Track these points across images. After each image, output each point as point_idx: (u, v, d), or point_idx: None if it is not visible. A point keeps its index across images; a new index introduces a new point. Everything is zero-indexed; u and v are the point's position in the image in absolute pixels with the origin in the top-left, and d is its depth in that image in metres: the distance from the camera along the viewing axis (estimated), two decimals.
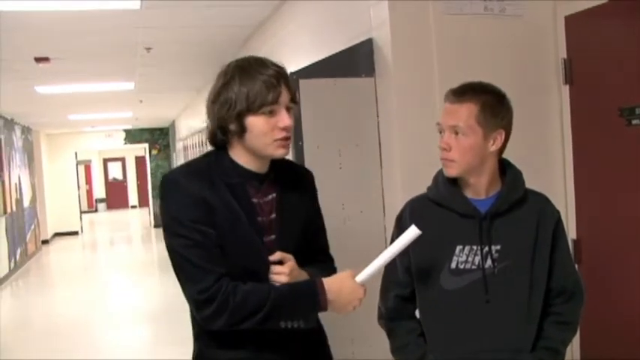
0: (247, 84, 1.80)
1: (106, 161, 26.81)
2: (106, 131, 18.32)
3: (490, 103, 1.95)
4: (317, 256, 2.06)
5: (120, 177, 27.14)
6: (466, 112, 1.93)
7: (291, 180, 2.01)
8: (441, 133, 1.99)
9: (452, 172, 1.98)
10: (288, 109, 1.86)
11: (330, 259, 2.14)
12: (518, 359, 1.95)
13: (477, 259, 1.96)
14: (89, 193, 25.88)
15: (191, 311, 1.92)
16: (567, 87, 3.15)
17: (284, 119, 1.84)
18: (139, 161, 24.42)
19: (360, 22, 3.35)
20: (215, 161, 1.90)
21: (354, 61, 3.22)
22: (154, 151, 18.76)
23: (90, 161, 25.72)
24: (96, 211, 25.96)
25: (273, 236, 1.91)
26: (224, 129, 1.86)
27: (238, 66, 1.85)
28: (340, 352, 3.01)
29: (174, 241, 1.82)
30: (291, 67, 3.27)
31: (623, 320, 2.89)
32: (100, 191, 26.81)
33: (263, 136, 1.83)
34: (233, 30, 5.98)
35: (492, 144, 1.96)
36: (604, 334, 2.92)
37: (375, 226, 3.19)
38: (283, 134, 1.85)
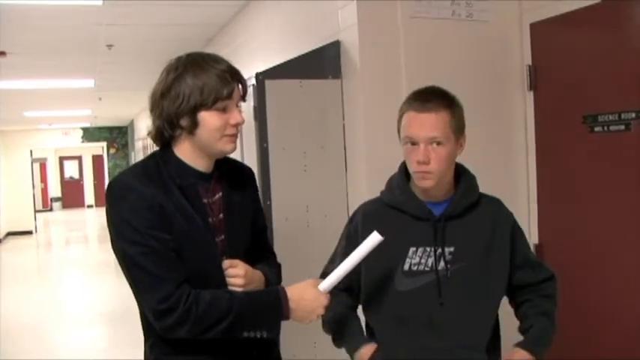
0: (201, 77, 1.75)
1: (62, 159, 26.31)
2: (63, 129, 18.00)
3: (454, 107, 1.93)
4: (261, 253, 2.04)
5: (76, 176, 26.66)
6: (442, 121, 1.89)
7: (234, 178, 1.97)
8: (412, 144, 1.93)
9: (429, 183, 1.93)
10: (237, 106, 1.83)
11: (274, 255, 2.13)
12: (472, 358, 1.93)
13: (430, 260, 1.94)
14: (44, 191, 25.37)
15: (143, 320, 1.86)
16: (532, 93, 3.18)
17: (236, 116, 1.81)
18: (97, 160, 24.04)
19: (327, 24, 3.33)
20: (163, 162, 1.83)
21: (321, 63, 3.20)
22: (112, 150, 18.52)
23: (45, 159, 25.21)
24: (51, 210, 25.46)
25: (222, 236, 1.87)
26: (173, 124, 1.79)
27: (190, 60, 1.79)
28: (303, 354, 3.00)
29: (128, 249, 1.73)
30: (256, 68, 3.25)
31: (585, 323, 2.92)
32: (55, 190, 26.30)
33: (215, 131, 1.79)
34: (197, 29, 5.91)
35: (460, 148, 1.97)
36: (566, 338, 2.94)
37: (339, 230, 3.14)
38: (233, 130, 1.83)
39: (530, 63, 3.21)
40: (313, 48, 3.28)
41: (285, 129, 3.10)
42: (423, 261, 1.94)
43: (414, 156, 1.91)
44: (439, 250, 1.94)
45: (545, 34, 3.15)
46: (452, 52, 3.18)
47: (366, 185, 3.06)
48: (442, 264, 1.93)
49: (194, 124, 1.77)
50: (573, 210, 2.99)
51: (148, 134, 1.90)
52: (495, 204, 2.05)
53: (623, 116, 2.75)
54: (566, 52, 3.04)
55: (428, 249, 1.94)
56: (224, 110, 1.78)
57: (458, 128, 1.93)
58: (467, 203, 1.97)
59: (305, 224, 3.13)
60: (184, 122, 1.78)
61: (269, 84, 3.06)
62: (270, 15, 4.52)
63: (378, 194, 3.03)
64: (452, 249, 1.93)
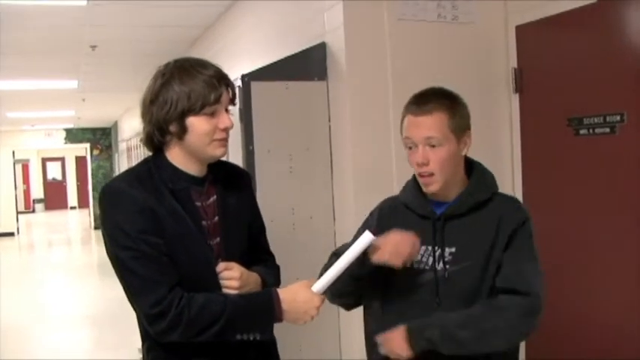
0: (188, 83, 1.76)
1: (44, 160, 26.11)
2: (46, 130, 17.83)
3: (454, 106, 1.91)
4: (260, 255, 2.05)
5: (59, 177, 26.47)
6: (438, 122, 1.87)
7: (229, 181, 1.97)
8: (410, 148, 1.93)
9: (434, 187, 1.91)
10: (226, 110, 1.84)
11: (272, 257, 2.12)
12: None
13: (430, 260, 1.93)
14: (26, 193, 25.15)
15: (140, 324, 1.86)
16: (517, 96, 3.19)
17: (225, 120, 1.82)
18: (80, 161, 23.84)
19: (313, 26, 3.32)
20: (155, 167, 1.85)
21: (307, 65, 3.19)
22: (96, 152, 18.37)
23: (28, 160, 25.01)
24: (33, 211, 25.25)
25: (217, 239, 1.88)
26: (163, 130, 1.80)
27: (178, 66, 1.80)
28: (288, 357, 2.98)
29: (120, 254, 1.74)
30: (242, 70, 3.23)
31: (569, 324, 2.93)
32: (38, 191, 26.09)
33: (204, 136, 1.80)
34: (181, 30, 5.88)
35: (464, 147, 1.94)
36: (547, 338, 2.95)
37: (325, 232, 3.17)
38: (223, 135, 1.83)
39: (515, 65, 3.22)
40: (299, 50, 3.28)
41: (271, 131, 3.08)
42: (424, 260, 1.93)
43: (414, 158, 1.91)
44: (438, 251, 1.92)
45: (531, 37, 3.16)
46: (438, 54, 3.18)
47: (353, 187, 3.06)
48: (441, 264, 1.91)
49: (183, 130, 1.78)
50: (559, 213, 3.00)
51: (140, 140, 1.92)
52: (508, 203, 1.96)
53: (608, 119, 2.76)
54: (551, 55, 3.05)
55: (429, 248, 1.93)
56: (212, 115, 1.79)
57: (458, 127, 1.90)
58: (473, 202, 1.92)
59: (291, 226, 3.12)
60: (173, 128, 1.79)
61: (255, 86, 3.05)
62: (255, 16, 4.50)
63: (364, 196, 3.04)
64: (453, 249, 1.90)
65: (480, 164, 2.01)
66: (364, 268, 1.89)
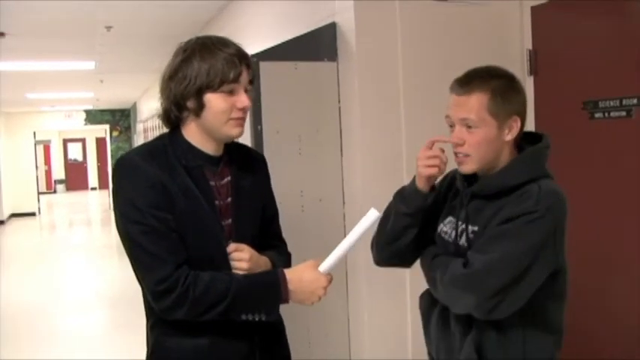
0: (208, 60, 1.75)
1: (65, 142, 26.33)
2: (66, 111, 17.95)
3: (500, 90, 1.81)
4: (272, 241, 2.03)
5: (80, 158, 26.68)
6: (476, 103, 1.79)
7: (245, 163, 1.96)
8: (451, 127, 1.87)
9: (467, 168, 1.85)
10: (246, 90, 1.81)
11: (284, 244, 2.10)
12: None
13: (453, 233, 1.90)
14: (48, 173, 25.41)
15: (145, 301, 1.86)
16: (532, 78, 3.12)
17: (243, 99, 1.80)
18: (100, 143, 24.02)
19: (323, 6, 3.27)
20: (170, 143, 1.84)
21: (317, 45, 3.14)
22: (115, 133, 18.48)
23: (49, 141, 25.23)
24: (54, 192, 25.51)
25: (229, 220, 1.86)
26: (180, 106, 1.80)
27: (199, 43, 1.79)
28: (296, 343, 2.97)
29: (129, 228, 1.74)
30: (253, 50, 3.19)
31: (584, 317, 2.88)
32: (59, 172, 26.34)
33: (221, 114, 1.78)
34: (195, 10, 5.84)
35: (508, 133, 1.82)
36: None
37: (334, 214, 3.14)
38: (240, 114, 1.81)
39: (530, 47, 3.16)
40: (309, 30, 3.23)
41: (280, 112, 3.05)
42: (449, 231, 1.91)
43: (451, 138, 1.86)
44: (462, 226, 1.87)
45: (547, 18, 3.09)
46: (450, 35, 3.12)
47: (362, 169, 3.02)
48: (463, 240, 1.86)
49: (200, 106, 1.77)
50: (572, 197, 2.93)
51: (158, 116, 1.92)
52: (534, 193, 1.75)
53: (624, 102, 2.70)
54: (567, 37, 2.98)
55: (453, 221, 1.91)
56: (231, 93, 1.78)
57: (501, 111, 1.79)
58: (499, 185, 1.81)
59: (299, 208, 3.09)
60: (190, 104, 1.78)
61: (263, 66, 3.01)
62: None
63: (373, 178, 3.01)
64: (476, 228, 1.84)
65: (533, 149, 1.86)
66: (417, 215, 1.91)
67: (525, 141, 1.89)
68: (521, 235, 1.71)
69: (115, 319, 7.08)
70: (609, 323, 2.83)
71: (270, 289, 1.80)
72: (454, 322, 1.86)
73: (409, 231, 1.93)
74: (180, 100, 1.79)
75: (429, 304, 1.98)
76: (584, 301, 2.85)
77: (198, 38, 1.83)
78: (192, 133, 1.84)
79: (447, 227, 1.93)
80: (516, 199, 1.76)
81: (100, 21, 6.07)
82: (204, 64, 1.74)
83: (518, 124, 1.83)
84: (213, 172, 1.86)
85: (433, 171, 1.86)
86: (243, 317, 1.78)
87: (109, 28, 6.34)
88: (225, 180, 1.89)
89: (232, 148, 1.94)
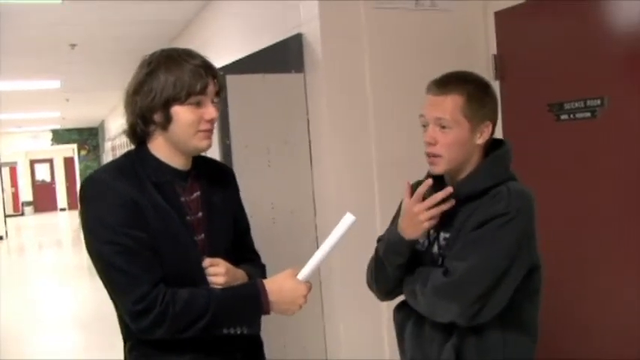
0: (175, 72, 1.71)
1: (32, 162, 25.92)
2: (33, 132, 17.74)
3: (476, 94, 1.84)
4: (245, 254, 2.01)
5: (48, 179, 26.30)
6: (451, 104, 1.81)
7: (214, 177, 1.93)
8: (424, 126, 1.87)
9: (438, 169, 1.86)
10: (212, 101, 1.79)
11: (258, 256, 2.08)
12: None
13: (426, 242, 1.90)
14: (15, 196, 24.99)
15: (121, 322, 1.81)
16: (498, 83, 3.14)
17: (210, 111, 1.77)
18: (68, 162, 23.70)
19: (289, 17, 3.27)
20: (138, 160, 1.80)
21: (284, 57, 3.14)
22: (83, 152, 18.32)
23: (15, 163, 24.83)
24: (22, 214, 25.09)
25: (202, 235, 1.83)
26: (146, 120, 1.76)
27: (164, 55, 1.76)
28: (273, 356, 2.94)
29: (102, 248, 1.68)
30: (220, 63, 3.16)
31: (552, 319, 2.90)
32: (26, 194, 25.91)
33: (188, 126, 1.75)
34: (160, 27, 5.83)
35: (479, 137, 1.85)
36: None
37: (306, 226, 3.12)
38: (208, 126, 1.78)
39: (495, 52, 3.18)
40: (275, 42, 3.22)
41: (248, 125, 3.03)
42: (421, 241, 1.90)
43: (424, 137, 1.86)
44: (434, 234, 1.88)
45: (510, 23, 3.12)
46: (416, 43, 3.14)
47: (333, 179, 3.02)
48: (436, 248, 1.88)
49: (167, 119, 1.74)
50: (540, 198, 2.95)
51: (123, 132, 1.87)
52: (504, 195, 1.79)
53: (588, 103, 2.73)
54: (531, 41, 3.01)
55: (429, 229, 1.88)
56: (198, 105, 1.74)
57: (475, 115, 1.82)
58: (469, 190, 1.84)
59: (271, 221, 3.07)
60: (157, 117, 1.74)
61: (230, 79, 2.98)
62: (233, 10, 4.46)
63: (345, 188, 3.00)
64: (447, 235, 1.86)
65: (498, 152, 1.89)
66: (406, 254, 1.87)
67: (489, 147, 1.91)
68: (497, 239, 1.74)
69: (88, 340, 6.97)
70: (582, 323, 2.84)
71: (250, 301, 1.77)
72: (431, 331, 1.86)
73: (403, 269, 1.92)
74: (147, 114, 1.75)
75: (403, 315, 1.98)
76: (553, 300, 2.87)
77: (163, 50, 1.79)
78: (159, 147, 1.80)
79: (421, 236, 1.90)
80: (487, 202, 1.79)
81: (64, 39, 6.01)
82: (171, 76, 1.71)
83: (490, 129, 1.86)
84: (183, 187, 1.83)
85: (434, 222, 1.83)
86: (225, 331, 1.76)
87: (73, 45, 6.29)
88: (195, 195, 1.85)
89: (200, 162, 1.91)
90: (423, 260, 1.90)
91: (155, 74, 1.72)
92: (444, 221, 1.85)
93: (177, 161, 1.82)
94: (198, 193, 1.86)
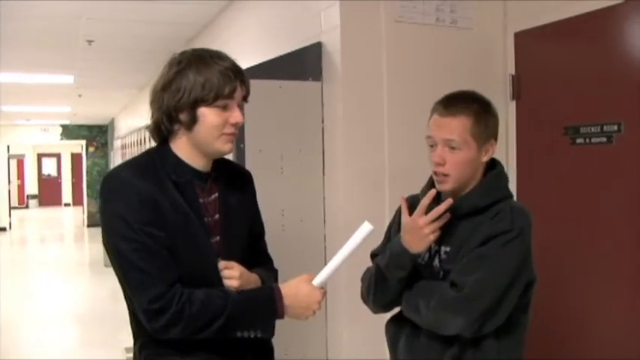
0: (204, 73, 1.72)
1: (40, 156, 26.02)
2: (42, 125, 17.75)
3: (481, 114, 1.90)
4: (259, 258, 2.01)
5: (54, 173, 26.38)
6: (460, 126, 1.87)
7: (232, 180, 1.94)
8: (432, 146, 1.92)
9: (446, 187, 1.91)
10: (239, 105, 1.80)
11: (271, 261, 2.09)
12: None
13: (427, 256, 1.94)
14: (21, 188, 25.07)
15: (133, 320, 1.81)
16: (514, 103, 3.14)
17: (236, 115, 1.78)
18: (75, 158, 23.76)
19: (310, 26, 3.28)
20: (159, 158, 1.80)
21: (302, 65, 3.14)
22: (92, 149, 18.30)
23: (23, 156, 24.92)
24: (27, 207, 25.16)
25: (217, 238, 1.83)
26: (172, 118, 1.76)
27: (195, 55, 1.77)
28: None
29: (120, 245, 1.68)
30: None
31: (561, 330, 2.88)
32: (32, 187, 26.00)
33: (214, 129, 1.76)
34: (178, 28, 5.84)
35: (485, 155, 1.92)
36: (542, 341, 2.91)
37: (315, 235, 3.12)
38: (232, 130, 1.79)
39: (513, 72, 3.19)
40: (294, 49, 3.23)
41: (263, 130, 3.03)
42: (424, 254, 1.94)
43: (432, 157, 1.91)
44: (435, 248, 1.92)
45: (530, 44, 3.13)
46: (434, 58, 3.14)
47: (344, 190, 3.01)
48: (437, 262, 1.92)
49: (193, 120, 1.74)
50: (553, 222, 2.96)
51: (146, 128, 1.88)
52: (505, 213, 1.85)
53: (605, 129, 2.72)
54: (549, 63, 3.01)
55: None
56: (224, 108, 1.75)
57: (482, 135, 1.89)
58: (472, 206, 1.90)
59: (280, 228, 3.07)
60: (183, 117, 1.75)
61: None
62: (251, 15, 4.46)
63: (355, 199, 3.00)
64: (448, 249, 1.91)
65: (496, 171, 1.97)
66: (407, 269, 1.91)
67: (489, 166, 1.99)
68: (502, 256, 1.80)
69: (84, 336, 6.97)
70: (589, 334, 2.83)
71: (266, 304, 1.78)
72: (428, 342, 1.90)
73: (404, 282, 1.95)
74: (173, 112, 1.75)
75: (396, 328, 2.03)
76: (566, 312, 2.87)
77: (194, 50, 1.80)
78: (181, 147, 1.81)
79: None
80: (490, 218, 1.86)
81: (82, 34, 6.03)
82: (200, 77, 1.71)
83: (494, 147, 1.95)
84: (202, 188, 1.83)
85: (438, 235, 1.88)
86: (239, 334, 1.76)
87: (90, 42, 6.30)
88: (213, 196, 1.85)
89: (220, 164, 1.91)
90: (423, 273, 1.93)
91: (184, 73, 1.73)
92: (445, 235, 1.90)
93: (198, 162, 1.82)
94: (217, 195, 1.86)
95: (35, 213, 23.84)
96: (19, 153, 23.68)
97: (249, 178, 2.05)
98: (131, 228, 1.67)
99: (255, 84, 2.98)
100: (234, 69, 1.77)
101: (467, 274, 1.81)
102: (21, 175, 25.15)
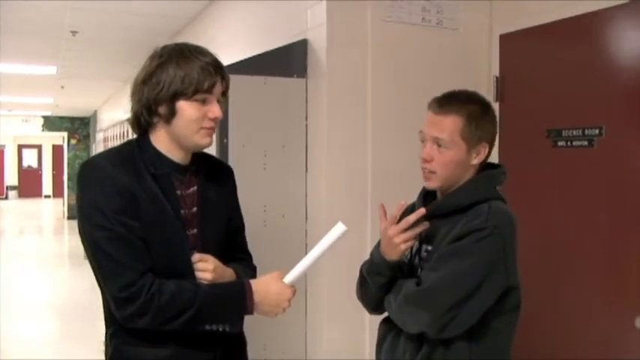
0: (184, 67, 1.74)
1: (21, 147, 25.79)
2: (24, 116, 17.60)
3: (475, 116, 1.87)
4: (237, 254, 2.01)
5: (35, 165, 26.15)
6: (450, 125, 1.85)
7: (212, 174, 1.95)
8: (423, 142, 1.92)
9: (432, 184, 1.91)
10: (218, 100, 1.81)
11: (250, 257, 2.09)
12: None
13: (409, 253, 1.94)
14: (0, 179, 24.83)
15: (105, 308, 1.82)
16: (497, 104, 3.16)
17: (215, 110, 1.79)
18: (57, 150, 23.59)
19: (296, 22, 3.27)
20: (138, 149, 1.82)
21: (287, 61, 3.14)
22: (73, 141, 18.17)
23: (4, 146, 24.69)
24: (6, 198, 24.93)
25: (195, 230, 1.84)
26: (151, 111, 1.78)
27: (177, 49, 1.79)
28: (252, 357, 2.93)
29: (94, 233, 1.70)
30: (223, 62, 3.17)
31: (545, 330, 2.90)
32: (12, 178, 25.76)
33: (192, 122, 1.77)
34: (165, 20, 5.81)
35: (475, 157, 1.89)
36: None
37: (297, 231, 3.12)
38: (211, 124, 1.80)
39: (497, 74, 3.20)
40: (280, 45, 3.22)
41: (247, 126, 3.03)
42: (406, 253, 1.93)
43: (421, 153, 1.91)
44: (417, 247, 1.93)
45: (515, 46, 3.14)
46: (420, 58, 3.15)
47: (326, 187, 3.02)
48: (417, 260, 1.92)
49: (172, 113, 1.76)
50: (534, 224, 2.97)
51: (127, 120, 1.88)
52: (484, 211, 1.81)
53: (586, 132, 2.74)
54: (533, 65, 3.03)
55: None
56: (203, 102, 1.77)
57: (472, 137, 1.86)
58: (453, 204, 1.88)
59: (262, 224, 3.06)
60: (162, 110, 1.77)
61: (232, 79, 2.92)
62: (238, 11, 4.45)
63: (336, 196, 3.01)
64: (430, 247, 1.90)
65: (487, 173, 1.93)
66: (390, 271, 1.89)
67: (485, 168, 1.95)
68: (470, 253, 1.77)
69: (63, 328, 6.93)
70: (572, 332, 2.85)
71: (235, 299, 1.79)
72: (405, 343, 1.90)
73: (385, 288, 1.94)
74: (153, 105, 1.77)
75: (386, 328, 2.01)
76: (548, 313, 2.89)
77: (176, 45, 1.82)
78: (160, 139, 1.82)
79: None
80: (467, 217, 1.83)
81: (66, 25, 5.98)
82: (180, 71, 1.73)
83: (487, 150, 1.91)
84: (181, 180, 1.84)
85: (411, 244, 1.87)
86: (207, 327, 1.77)
87: (74, 33, 6.25)
88: (192, 189, 1.87)
89: (200, 158, 1.92)
90: (404, 271, 1.93)
91: (165, 67, 1.75)
92: (428, 234, 1.90)
93: (177, 155, 1.84)
94: (195, 188, 1.87)
95: (14, 204, 23.62)
96: None
97: (230, 172, 2.06)
98: (106, 217, 1.68)
99: (240, 79, 3.02)
100: (215, 64, 1.79)
101: (433, 270, 1.80)
102: (1, 166, 24.91)
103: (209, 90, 1.76)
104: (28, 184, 25.72)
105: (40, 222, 18.91)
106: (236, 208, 2.06)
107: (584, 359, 2.76)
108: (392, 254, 1.86)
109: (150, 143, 1.83)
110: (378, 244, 1.95)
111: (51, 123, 18.05)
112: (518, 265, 1.85)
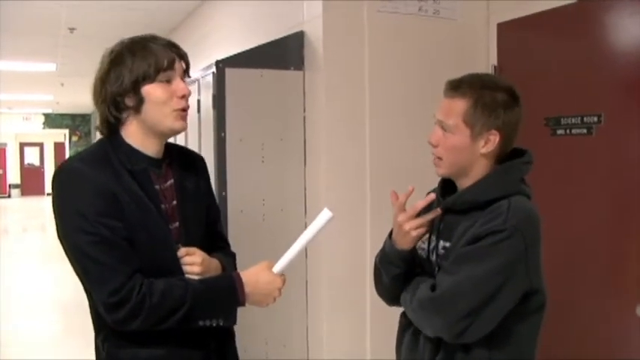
0: (140, 53, 1.72)
1: (22, 145, 25.75)
2: (24, 114, 17.61)
3: (484, 102, 1.73)
4: (216, 242, 2.00)
5: (37, 163, 26.14)
6: (454, 109, 1.75)
7: (186, 165, 1.92)
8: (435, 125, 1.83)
9: (440, 171, 1.82)
10: (182, 79, 1.78)
11: (228, 244, 2.08)
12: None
13: (427, 249, 1.85)
14: (3, 177, 24.83)
15: (93, 313, 1.79)
16: None
17: (182, 87, 1.76)
18: (58, 147, 23.55)
19: (292, 15, 3.26)
20: (111, 147, 1.77)
21: (284, 54, 3.13)
22: (75, 138, 18.20)
23: (5, 145, 24.67)
24: (9, 196, 24.93)
25: (176, 224, 1.82)
26: (118, 105, 1.74)
27: (126, 42, 1.77)
28: (254, 353, 2.93)
29: (77, 239, 1.65)
30: (219, 56, 3.17)
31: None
32: (14, 177, 25.75)
33: (162, 105, 1.74)
34: (162, 16, 5.80)
35: (483, 146, 1.75)
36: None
37: (296, 224, 3.11)
38: (182, 104, 1.77)
39: (495, 63, 3.19)
40: (276, 38, 3.21)
41: (244, 119, 3.02)
42: (424, 246, 1.86)
43: (430, 136, 1.82)
44: (434, 242, 1.83)
45: (512, 35, 3.13)
46: (417, 48, 3.14)
47: (325, 179, 3.01)
48: (434, 257, 1.82)
49: (140, 100, 1.73)
50: None
51: (95, 127, 1.87)
52: (503, 211, 1.69)
53: (585, 120, 2.73)
54: (531, 54, 3.01)
55: (429, 236, 1.85)
56: (168, 82, 1.74)
57: (477, 123, 1.73)
58: (470, 200, 1.76)
59: (261, 217, 3.06)
60: (129, 101, 1.73)
61: (229, 72, 2.98)
62: (234, 5, 4.44)
63: (335, 188, 3.00)
64: (447, 244, 1.79)
65: (507, 165, 1.79)
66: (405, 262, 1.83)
67: (511, 157, 1.82)
68: (487, 257, 1.65)
69: (66, 324, 6.93)
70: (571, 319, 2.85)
71: (227, 293, 1.76)
72: (423, 344, 1.82)
73: (400, 279, 1.87)
74: (118, 99, 1.73)
75: (406, 323, 1.92)
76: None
77: (124, 40, 1.79)
78: (133, 134, 1.78)
79: (423, 243, 1.87)
80: (486, 216, 1.70)
81: (64, 22, 5.97)
82: (136, 58, 1.71)
83: (497, 139, 1.75)
84: (157, 174, 1.81)
85: (422, 231, 1.79)
86: (201, 324, 1.74)
87: (72, 29, 6.24)
88: (169, 182, 1.84)
89: (172, 150, 1.90)
90: (423, 267, 1.86)
91: (120, 60, 1.72)
92: (445, 230, 1.80)
93: (150, 148, 1.80)
94: (172, 181, 1.85)
95: (17, 202, 23.63)
96: (0, 142, 23.46)
97: (202, 162, 2.04)
98: (88, 221, 1.63)
99: (236, 72, 3.02)
100: (169, 44, 1.77)
101: (448, 274, 1.70)
102: (3, 165, 24.89)
103: (170, 66, 1.73)
104: (31, 182, 25.69)
105: (43, 220, 18.88)
106: (211, 197, 2.04)
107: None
108: (402, 243, 1.79)
109: (122, 140, 1.79)
110: (391, 233, 1.87)
111: (52, 120, 18.08)
112: (542, 264, 1.76)
